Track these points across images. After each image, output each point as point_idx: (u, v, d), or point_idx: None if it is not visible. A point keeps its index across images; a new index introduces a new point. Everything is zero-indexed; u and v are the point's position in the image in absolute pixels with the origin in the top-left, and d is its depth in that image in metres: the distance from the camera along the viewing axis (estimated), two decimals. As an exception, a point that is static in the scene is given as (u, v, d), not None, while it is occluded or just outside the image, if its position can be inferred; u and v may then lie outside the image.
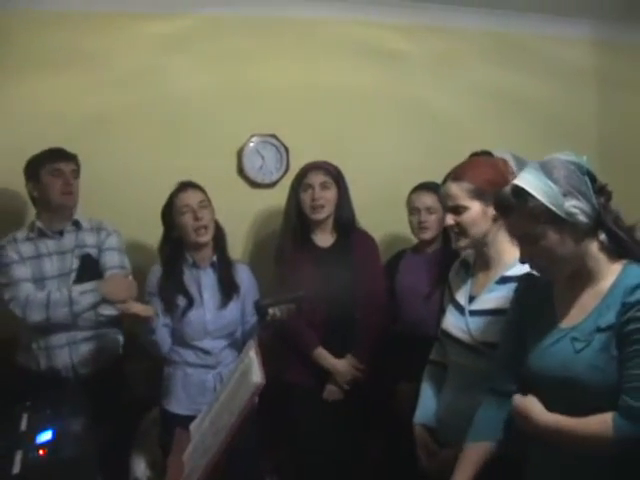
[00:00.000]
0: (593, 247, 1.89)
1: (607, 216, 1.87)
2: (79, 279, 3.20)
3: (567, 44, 4.66)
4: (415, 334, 3.30)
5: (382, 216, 3.96)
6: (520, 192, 1.86)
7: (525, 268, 2.25)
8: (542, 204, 1.83)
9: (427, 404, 2.55)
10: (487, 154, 3.26)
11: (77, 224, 3.31)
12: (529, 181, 1.86)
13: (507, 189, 1.91)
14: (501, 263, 2.37)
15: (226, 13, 4.05)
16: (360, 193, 3.65)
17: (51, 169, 3.21)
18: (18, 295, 3.08)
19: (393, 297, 3.54)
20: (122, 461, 3.28)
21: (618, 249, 1.89)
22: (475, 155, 3.47)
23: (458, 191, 2.34)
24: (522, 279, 2.18)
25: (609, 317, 1.82)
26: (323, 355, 3.43)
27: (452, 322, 2.45)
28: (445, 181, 2.46)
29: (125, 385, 3.37)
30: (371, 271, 3.51)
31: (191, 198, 3.22)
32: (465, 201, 2.33)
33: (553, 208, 1.82)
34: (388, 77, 4.35)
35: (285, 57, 4.17)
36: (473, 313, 2.37)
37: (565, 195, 1.82)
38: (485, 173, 2.34)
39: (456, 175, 2.40)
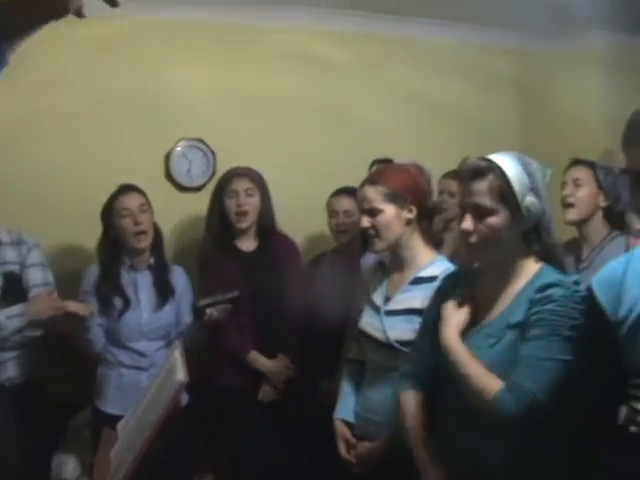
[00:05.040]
0: (523, 247, 1.99)
1: (546, 224, 2.00)
2: (3, 299, 3.07)
3: (493, 53, 4.76)
4: (335, 333, 3.39)
5: (305, 219, 4.03)
6: (494, 167, 1.96)
7: (438, 269, 2.37)
8: (510, 185, 1.93)
9: (346, 400, 2.63)
10: (389, 161, 3.40)
11: None
12: (506, 162, 1.97)
13: (481, 159, 2.00)
14: (415, 265, 2.46)
15: (153, 17, 4.05)
16: (284, 196, 3.72)
17: None
18: None
19: (314, 298, 3.60)
20: (47, 462, 3.28)
21: (545, 254, 2.00)
22: (378, 162, 3.62)
23: (374, 194, 2.43)
24: (444, 278, 2.26)
25: (518, 314, 1.92)
26: (256, 358, 3.49)
27: (368, 322, 2.53)
28: (362, 185, 2.55)
29: (47, 389, 3.30)
30: (293, 274, 3.59)
31: (131, 202, 3.25)
32: (380, 204, 2.42)
33: (517, 194, 1.93)
34: (314, 83, 4.40)
35: (213, 62, 4.19)
36: (388, 313, 2.45)
37: (531, 190, 1.94)
38: (400, 178, 2.45)
39: (372, 179, 2.51)
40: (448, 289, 2.19)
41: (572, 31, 4.42)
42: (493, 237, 1.96)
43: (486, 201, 1.95)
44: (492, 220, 1.95)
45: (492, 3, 4.14)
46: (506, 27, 4.61)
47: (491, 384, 1.87)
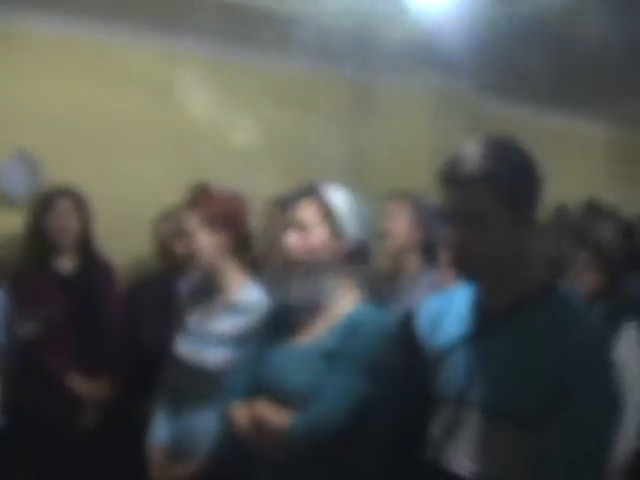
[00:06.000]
0: (344, 275, 2.07)
1: (368, 254, 2.10)
2: None
3: (327, 83, 4.91)
4: (153, 357, 3.34)
5: (129, 240, 3.95)
6: (320, 189, 2.07)
7: (250, 295, 2.42)
8: (332, 206, 2.04)
9: (161, 424, 2.60)
10: (204, 188, 3.43)
11: None
12: (333, 187, 2.09)
13: (310, 183, 2.11)
14: (228, 290, 2.50)
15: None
16: (107, 216, 3.67)
17: None
18: None
19: (134, 320, 3.58)
20: None
21: (365, 284, 2.10)
22: (194, 188, 3.63)
23: (190, 219, 2.47)
24: (276, 303, 2.30)
25: (329, 343, 2.00)
26: (76, 381, 3.39)
27: (183, 346, 2.54)
28: (181, 210, 2.58)
29: None
30: (112, 296, 3.57)
31: None
32: (196, 229, 2.45)
33: (339, 216, 2.04)
34: (146, 101, 4.35)
35: (47, 76, 4.10)
36: (202, 337, 2.47)
37: (353, 215, 2.05)
38: (216, 204, 2.50)
39: (190, 204, 2.55)
40: (272, 314, 2.25)
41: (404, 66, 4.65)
42: (313, 254, 2.05)
43: (308, 218, 2.05)
44: (312, 236, 2.05)
45: (308, 34, 4.17)
46: (337, 58, 4.70)
47: (282, 420, 1.93)
